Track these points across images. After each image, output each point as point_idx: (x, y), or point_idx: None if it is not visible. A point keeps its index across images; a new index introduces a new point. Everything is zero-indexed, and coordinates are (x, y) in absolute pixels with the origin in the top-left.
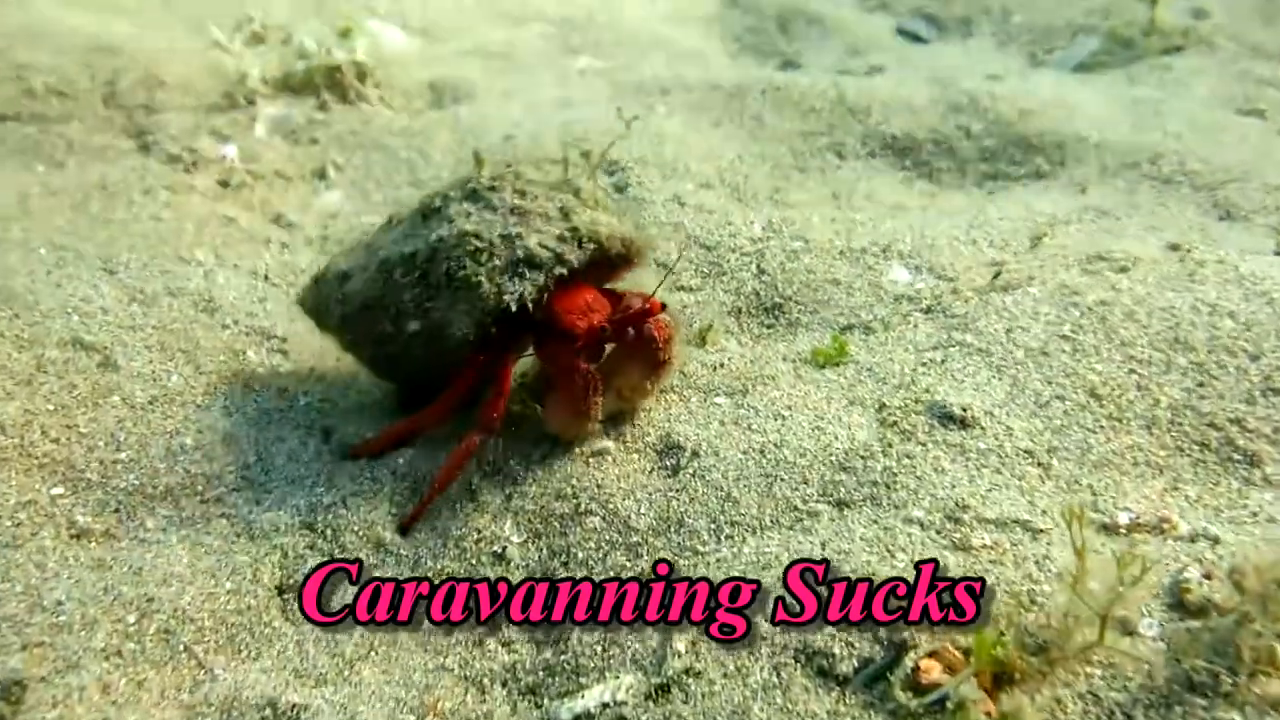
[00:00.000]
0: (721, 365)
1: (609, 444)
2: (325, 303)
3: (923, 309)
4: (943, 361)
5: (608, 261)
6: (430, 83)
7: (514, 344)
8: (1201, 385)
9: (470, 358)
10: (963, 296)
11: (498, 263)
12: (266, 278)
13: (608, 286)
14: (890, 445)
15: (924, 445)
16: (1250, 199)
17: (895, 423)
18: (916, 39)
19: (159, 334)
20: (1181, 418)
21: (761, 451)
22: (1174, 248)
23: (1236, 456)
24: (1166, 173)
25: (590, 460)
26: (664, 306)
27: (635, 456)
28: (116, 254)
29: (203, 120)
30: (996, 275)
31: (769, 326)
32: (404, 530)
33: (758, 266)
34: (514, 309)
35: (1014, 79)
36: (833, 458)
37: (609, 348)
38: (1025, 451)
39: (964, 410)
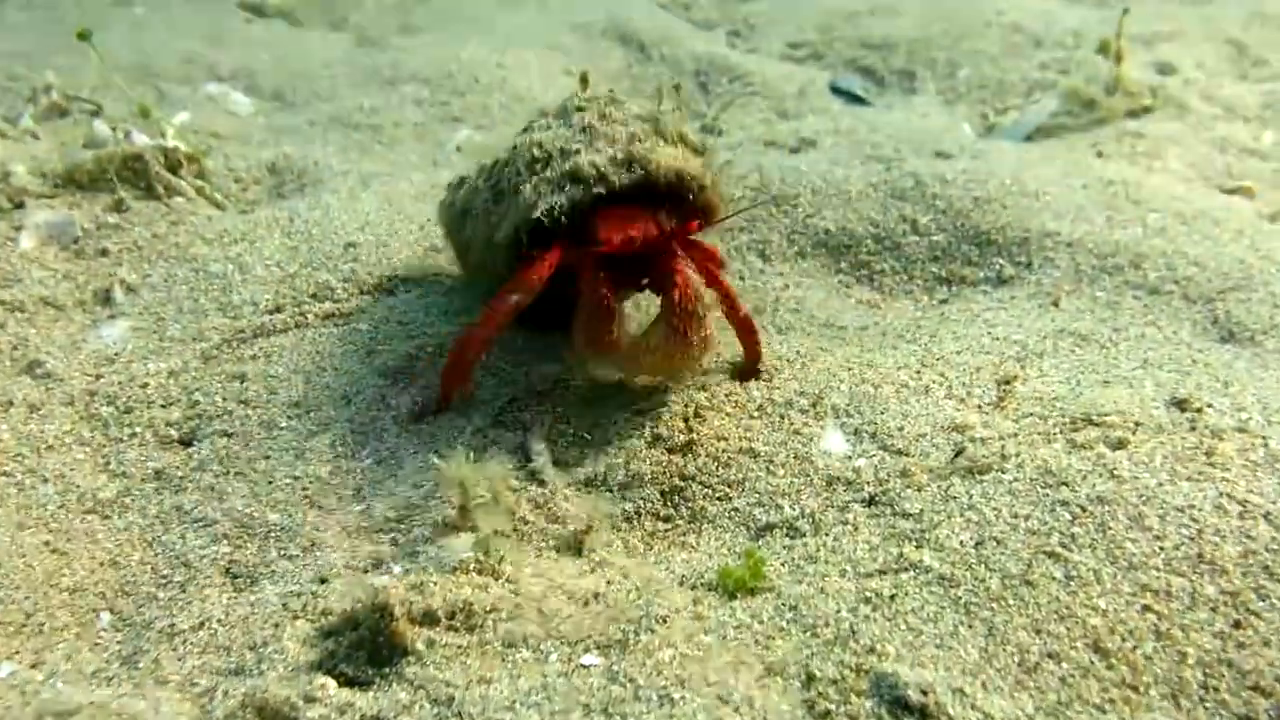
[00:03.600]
0: (598, 596)
1: None
2: (444, 210)
3: (864, 499)
4: (892, 598)
5: (667, 194)
6: (272, 163)
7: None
8: (1239, 627)
9: (524, 262)
10: (915, 482)
11: (549, 174)
12: None
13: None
14: None
15: None
16: (1255, 314)
17: (828, 713)
18: (853, 98)
19: None
20: (1216, 678)
21: None
22: (1180, 405)
23: None
24: (1153, 280)
25: None
26: (701, 226)
27: None
28: None
29: None
30: (959, 454)
31: (666, 520)
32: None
33: (652, 433)
34: (544, 220)
35: (966, 157)
36: None
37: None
38: None
39: (924, 693)
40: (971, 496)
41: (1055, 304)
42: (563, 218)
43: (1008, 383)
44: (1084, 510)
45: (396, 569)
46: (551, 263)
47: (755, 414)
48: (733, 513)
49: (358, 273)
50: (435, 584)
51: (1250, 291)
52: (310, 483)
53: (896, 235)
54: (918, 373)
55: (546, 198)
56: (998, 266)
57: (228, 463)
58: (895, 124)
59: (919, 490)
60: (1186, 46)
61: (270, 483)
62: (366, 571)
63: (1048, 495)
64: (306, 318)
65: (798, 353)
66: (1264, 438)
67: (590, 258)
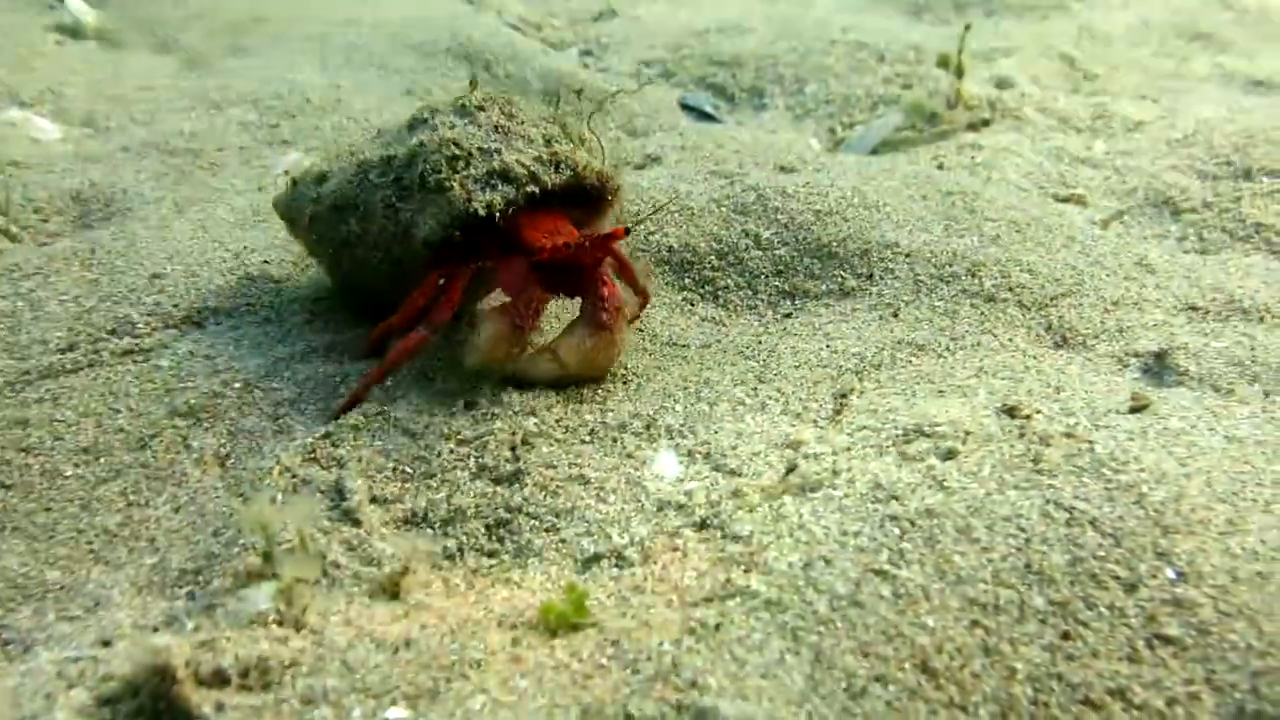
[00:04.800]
0: (409, 642)
1: None
2: (299, 201)
3: (695, 523)
4: (718, 627)
5: (583, 194)
6: (76, 192)
7: (474, 258)
8: (1067, 638)
9: (431, 269)
10: (748, 503)
11: (473, 172)
12: None
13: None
14: None
15: None
16: (1087, 319)
17: None
18: (703, 115)
19: None
20: (1046, 694)
21: None
22: (1010, 413)
23: None
24: (989, 288)
25: None
26: (628, 231)
27: None
28: None
29: None
30: (790, 471)
31: (491, 556)
32: (336, 415)
33: (477, 463)
34: (482, 214)
35: (809, 170)
36: None
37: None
38: None
39: None
40: (802, 515)
41: (895, 314)
42: (496, 215)
43: (844, 396)
44: (913, 524)
45: (189, 625)
46: (458, 285)
47: (587, 439)
48: (560, 544)
49: (163, 305)
50: (228, 640)
51: (1082, 296)
52: (97, 535)
53: (740, 250)
54: (755, 389)
55: (479, 195)
56: (840, 279)
57: (3, 517)
58: (741, 139)
59: (750, 511)
60: (1022, 62)
61: (51, 537)
62: (156, 630)
63: (877, 510)
64: (102, 356)
65: (635, 373)
66: (1090, 442)
67: (521, 265)
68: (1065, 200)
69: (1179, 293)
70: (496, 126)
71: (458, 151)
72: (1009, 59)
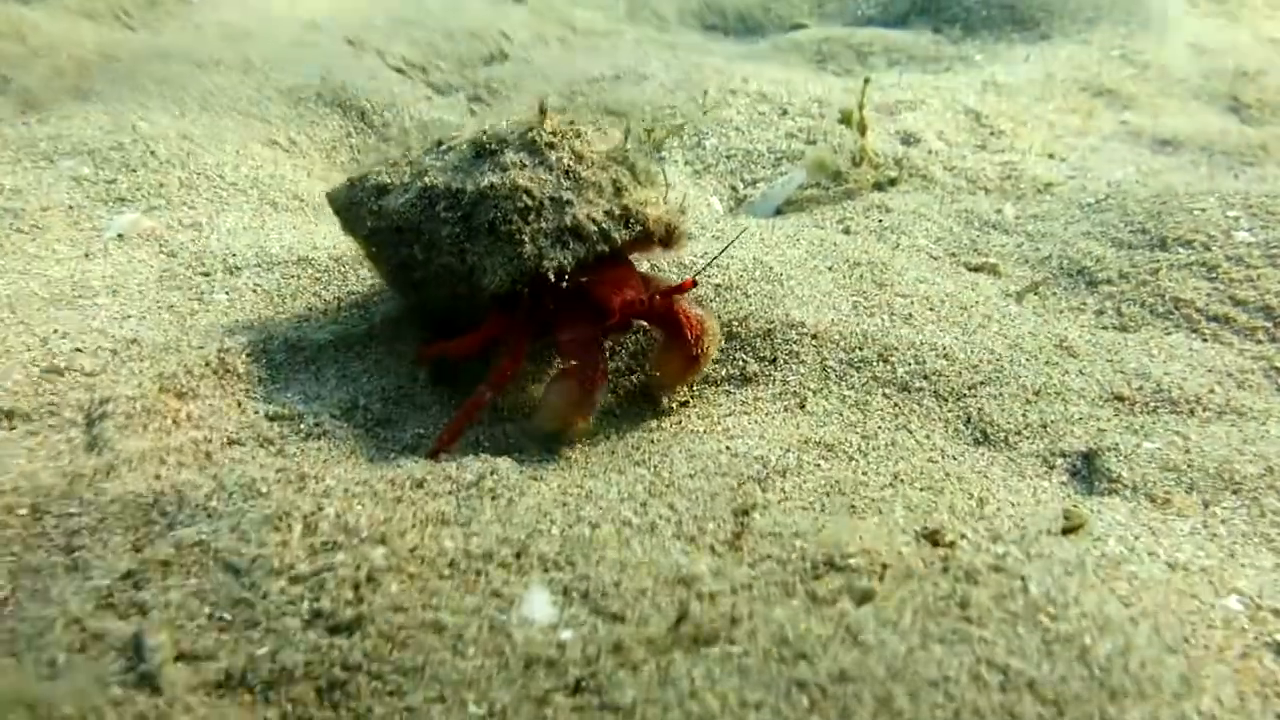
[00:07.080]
0: None
1: None
2: (357, 209)
3: (568, 685)
4: None
5: (648, 242)
6: None
7: (537, 311)
8: None
9: (495, 311)
10: (631, 659)
11: (544, 225)
12: None
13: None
14: None
15: None
16: (1009, 412)
17: None
18: None
19: None
20: None
21: None
22: (931, 539)
23: None
24: (903, 375)
25: None
26: (695, 283)
27: None
28: None
29: None
30: (682, 617)
31: None
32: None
33: (312, 607)
34: (552, 276)
35: (708, 237)
36: None
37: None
38: None
39: None
40: (694, 679)
41: (801, 405)
42: (564, 275)
43: (745, 513)
44: (824, 693)
45: None
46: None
47: (445, 573)
48: (406, 714)
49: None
50: None
51: (1002, 385)
52: None
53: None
54: (644, 504)
55: (551, 253)
56: (741, 363)
57: None
58: None
59: (633, 671)
60: (927, 116)
61: None
62: None
63: (783, 673)
64: None
65: (507, 486)
66: (1023, 578)
67: (586, 330)
68: (977, 269)
69: (1103, 379)
70: (567, 171)
71: (529, 203)
72: (914, 112)
